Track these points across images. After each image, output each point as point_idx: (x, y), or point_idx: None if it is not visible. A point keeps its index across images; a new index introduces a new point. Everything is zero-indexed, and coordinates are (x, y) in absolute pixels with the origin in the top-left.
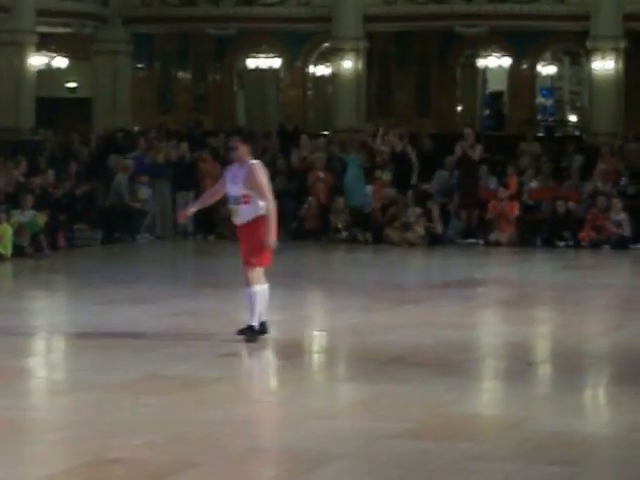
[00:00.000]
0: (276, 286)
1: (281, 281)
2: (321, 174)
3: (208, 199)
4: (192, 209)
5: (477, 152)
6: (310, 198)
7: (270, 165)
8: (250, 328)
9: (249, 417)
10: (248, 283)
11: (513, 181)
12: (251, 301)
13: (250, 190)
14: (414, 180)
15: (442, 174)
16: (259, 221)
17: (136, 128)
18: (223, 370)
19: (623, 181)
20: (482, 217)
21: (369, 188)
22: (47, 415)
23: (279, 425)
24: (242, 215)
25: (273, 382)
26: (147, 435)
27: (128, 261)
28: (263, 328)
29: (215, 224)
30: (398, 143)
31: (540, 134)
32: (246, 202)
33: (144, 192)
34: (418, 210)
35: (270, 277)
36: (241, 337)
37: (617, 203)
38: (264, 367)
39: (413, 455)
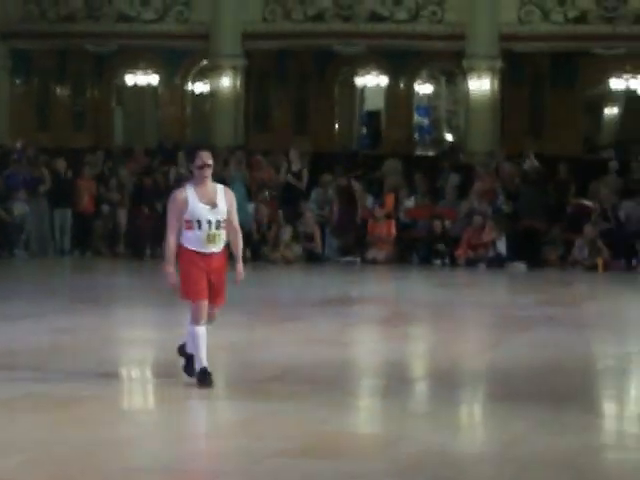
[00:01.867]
0: (155, 305)
1: (160, 299)
2: None
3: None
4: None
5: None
6: None
7: (151, 182)
8: (204, 370)
9: (127, 436)
10: (213, 319)
11: (389, 200)
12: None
13: (227, 214)
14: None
15: (319, 192)
16: (225, 252)
17: (18, 144)
18: (101, 388)
19: (500, 200)
20: (360, 235)
21: (251, 206)
22: None
23: (157, 444)
24: (220, 242)
25: (152, 401)
26: (22, 454)
27: (3, 277)
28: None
29: (92, 241)
30: (297, 162)
31: (417, 152)
32: (224, 227)
33: (20, 208)
34: (294, 230)
35: (149, 295)
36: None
37: (492, 222)
38: (143, 385)
39: (293, 473)
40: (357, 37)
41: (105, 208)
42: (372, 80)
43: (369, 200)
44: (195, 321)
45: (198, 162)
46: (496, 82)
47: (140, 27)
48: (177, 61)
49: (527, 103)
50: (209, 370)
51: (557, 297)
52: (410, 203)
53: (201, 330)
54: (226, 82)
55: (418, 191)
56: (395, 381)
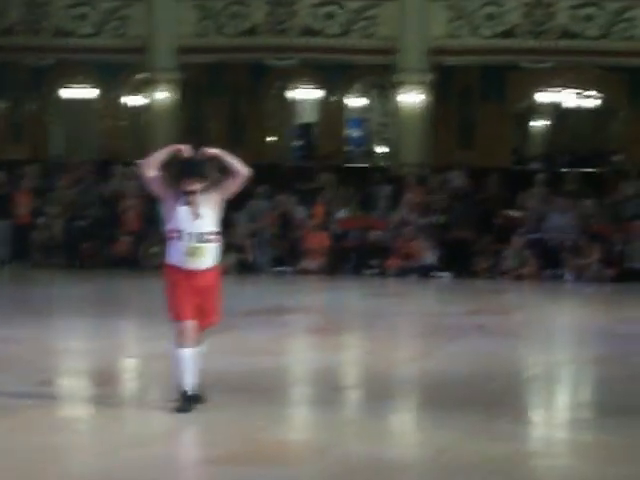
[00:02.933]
0: (89, 315)
1: (94, 309)
2: (133, 201)
3: None
4: None
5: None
6: (124, 225)
7: (85, 194)
8: (184, 394)
9: (64, 444)
10: (201, 342)
11: (319, 211)
12: (191, 364)
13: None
14: None
15: (253, 203)
16: (217, 269)
17: None
18: (38, 397)
19: (432, 212)
20: (294, 246)
21: None
22: None
23: (94, 453)
24: (207, 257)
25: (88, 410)
26: None
27: None
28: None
29: (31, 252)
30: None
31: (348, 164)
32: (215, 241)
33: None
34: (229, 240)
35: (83, 305)
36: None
37: (423, 233)
38: (79, 395)
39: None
40: (290, 51)
41: (41, 219)
42: (305, 93)
43: (302, 211)
44: (180, 343)
45: (184, 187)
46: (426, 95)
47: (77, 41)
48: (114, 75)
49: (457, 116)
50: (191, 394)
51: (486, 306)
52: (342, 214)
53: (186, 353)
54: (162, 95)
55: (350, 202)
56: (327, 389)
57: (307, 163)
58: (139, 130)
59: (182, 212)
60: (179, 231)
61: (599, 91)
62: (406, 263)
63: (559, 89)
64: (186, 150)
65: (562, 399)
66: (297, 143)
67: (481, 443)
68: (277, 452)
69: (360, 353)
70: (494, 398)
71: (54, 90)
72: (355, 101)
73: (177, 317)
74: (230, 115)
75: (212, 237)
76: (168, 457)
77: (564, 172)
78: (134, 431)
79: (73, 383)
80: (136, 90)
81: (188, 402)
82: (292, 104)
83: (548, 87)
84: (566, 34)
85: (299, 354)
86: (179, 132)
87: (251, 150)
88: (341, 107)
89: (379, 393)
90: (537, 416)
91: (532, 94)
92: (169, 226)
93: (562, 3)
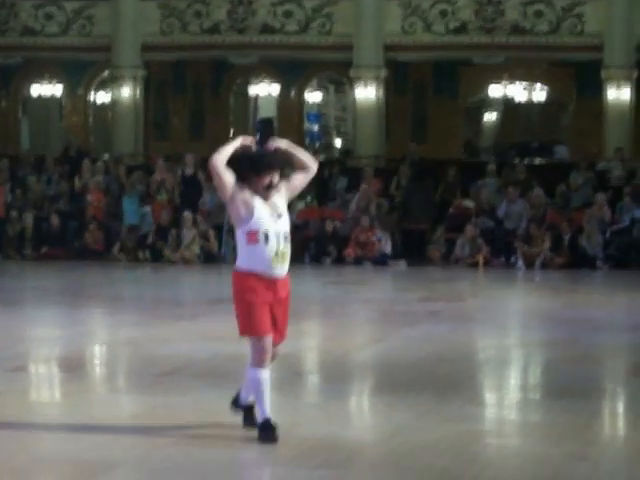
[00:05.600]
0: (58, 304)
1: (63, 299)
2: (101, 196)
3: None
4: None
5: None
6: (91, 219)
7: (54, 188)
8: (267, 422)
9: (32, 428)
10: (275, 358)
11: None
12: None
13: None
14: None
15: (216, 196)
16: (289, 278)
17: None
18: (8, 383)
19: (386, 202)
20: None
21: (147, 209)
22: None
23: (61, 436)
24: (288, 262)
25: (56, 394)
26: None
27: None
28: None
29: (2, 245)
30: (191, 166)
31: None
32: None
33: None
34: (195, 231)
35: (52, 295)
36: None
37: (379, 222)
38: (47, 380)
39: (190, 462)
40: (250, 48)
41: (13, 213)
42: (265, 89)
43: None
44: (259, 363)
45: (264, 181)
46: (381, 90)
47: (44, 40)
48: (80, 72)
49: (411, 110)
50: (273, 422)
51: (440, 293)
52: (301, 205)
53: (267, 374)
54: (126, 92)
55: (309, 194)
56: (288, 374)
57: None
58: (104, 126)
59: (263, 210)
60: (264, 232)
61: (548, 85)
62: (363, 252)
63: (510, 83)
64: (252, 143)
65: (512, 381)
66: (257, 137)
67: (434, 424)
68: (241, 434)
69: (319, 339)
70: (446, 381)
71: (22, 87)
72: (313, 96)
73: (256, 332)
74: (193, 110)
75: (289, 240)
76: (134, 440)
77: (515, 163)
78: (100, 414)
79: (44, 369)
80: (102, 87)
81: (272, 430)
82: (252, 100)
83: (499, 81)
84: (516, 30)
85: None
86: (143, 128)
87: (212, 144)
88: (300, 102)
89: (337, 377)
90: (488, 398)
91: (484, 88)
92: (246, 228)
93: (512, 0)
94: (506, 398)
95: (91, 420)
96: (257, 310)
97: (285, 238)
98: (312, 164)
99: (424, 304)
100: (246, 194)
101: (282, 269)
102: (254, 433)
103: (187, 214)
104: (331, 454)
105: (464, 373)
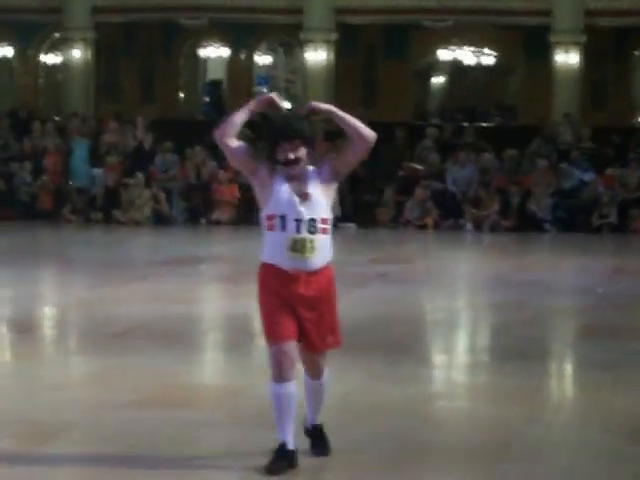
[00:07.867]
0: (8, 264)
1: (13, 259)
2: (52, 157)
3: None
4: None
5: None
6: (44, 179)
7: (4, 149)
8: (281, 447)
9: None
10: (319, 372)
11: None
12: (323, 394)
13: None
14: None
15: (166, 157)
16: (331, 270)
17: None
18: None
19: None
20: (206, 198)
21: (96, 171)
22: None
23: (13, 397)
24: (317, 255)
25: (7, 356)
26: None
27: None
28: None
29: None
30: (142, 129)
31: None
32: (324, 231)
33: None
34: (147, 192)
35: (2, 256)
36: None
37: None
38: (0, 341)
39: (142, 424)
40: (201, 11)
41: None
42: (215, 51)
43: (213, 165)
44: (272, 375)
45: (280, 157)
46: (332, 53)
47: None
48: (31, 34)
49: (361, 73)
50: (290, 448)
51: (389, 255)
52: None
53: (284, 389)
54: (77, 54)
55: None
56: (238, 335)
57: (217, 118)
58: (55, 87)
59: (283, 191)
60: (281, 217)
61: (497, 49)
62: None
63: (459, 47)
64: (279, 102)
65: (462, 343)
66: (207, 99)
67: (385, 386)
68: (192, 396)
69: None
70: (398, 342)
71: None
72: (263, 59)
73: (266, 338)
74: (143, 73)
75: (325, 226)
76: (85, 400)
77: (463, 126)
78: (53, 375)
79: None
80: (52, 49)
81: (281, 459)
82: (202, 62)
83: (448, 45)
84: None
85: (212, 302)
86: (93, 89)
87: (162, 106)
88: (250, 65)
89: None
90: (439, 360)
91: (433, 52)
92: (265, 211)
93: None
94: (457, 360)
95: (43, 381)
96: (268, 312)
97: (312, 225)
98: (366, 132)
99: (374, 266)
100: (265, 171)
101: (305, 262)
102: (208, 391)
103: (139, 176)
104: None
105: (415, 335)
